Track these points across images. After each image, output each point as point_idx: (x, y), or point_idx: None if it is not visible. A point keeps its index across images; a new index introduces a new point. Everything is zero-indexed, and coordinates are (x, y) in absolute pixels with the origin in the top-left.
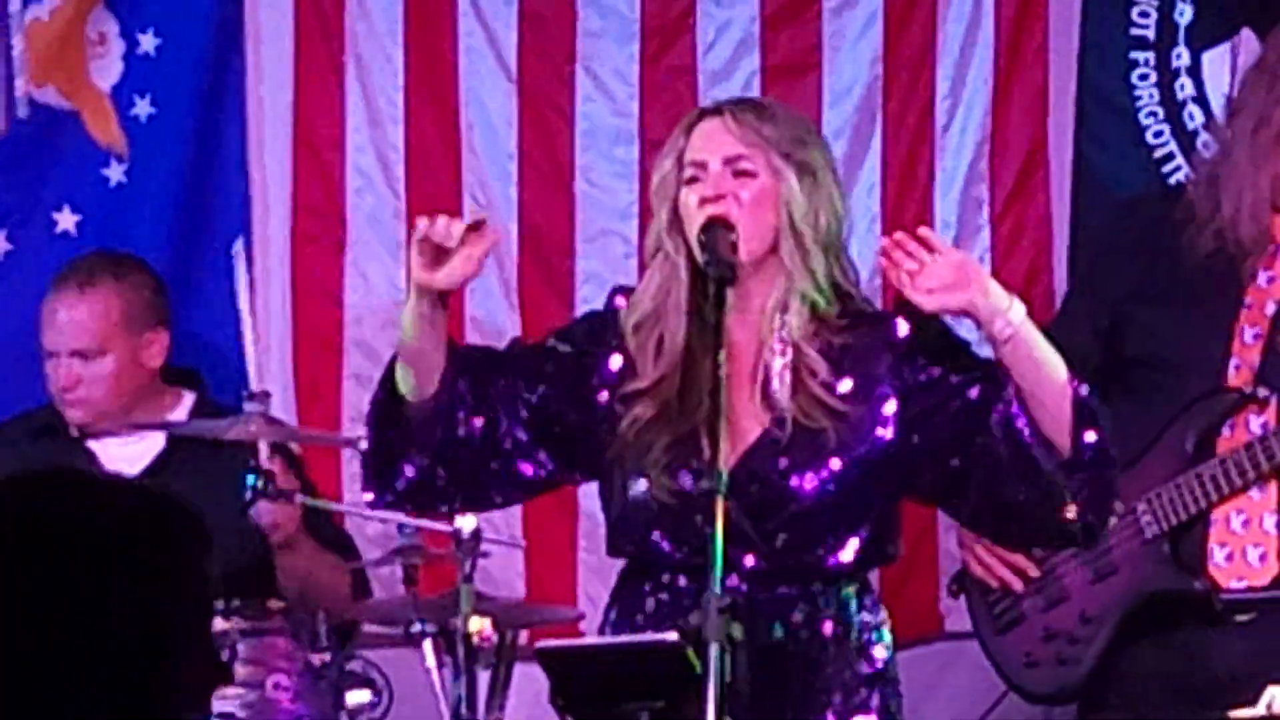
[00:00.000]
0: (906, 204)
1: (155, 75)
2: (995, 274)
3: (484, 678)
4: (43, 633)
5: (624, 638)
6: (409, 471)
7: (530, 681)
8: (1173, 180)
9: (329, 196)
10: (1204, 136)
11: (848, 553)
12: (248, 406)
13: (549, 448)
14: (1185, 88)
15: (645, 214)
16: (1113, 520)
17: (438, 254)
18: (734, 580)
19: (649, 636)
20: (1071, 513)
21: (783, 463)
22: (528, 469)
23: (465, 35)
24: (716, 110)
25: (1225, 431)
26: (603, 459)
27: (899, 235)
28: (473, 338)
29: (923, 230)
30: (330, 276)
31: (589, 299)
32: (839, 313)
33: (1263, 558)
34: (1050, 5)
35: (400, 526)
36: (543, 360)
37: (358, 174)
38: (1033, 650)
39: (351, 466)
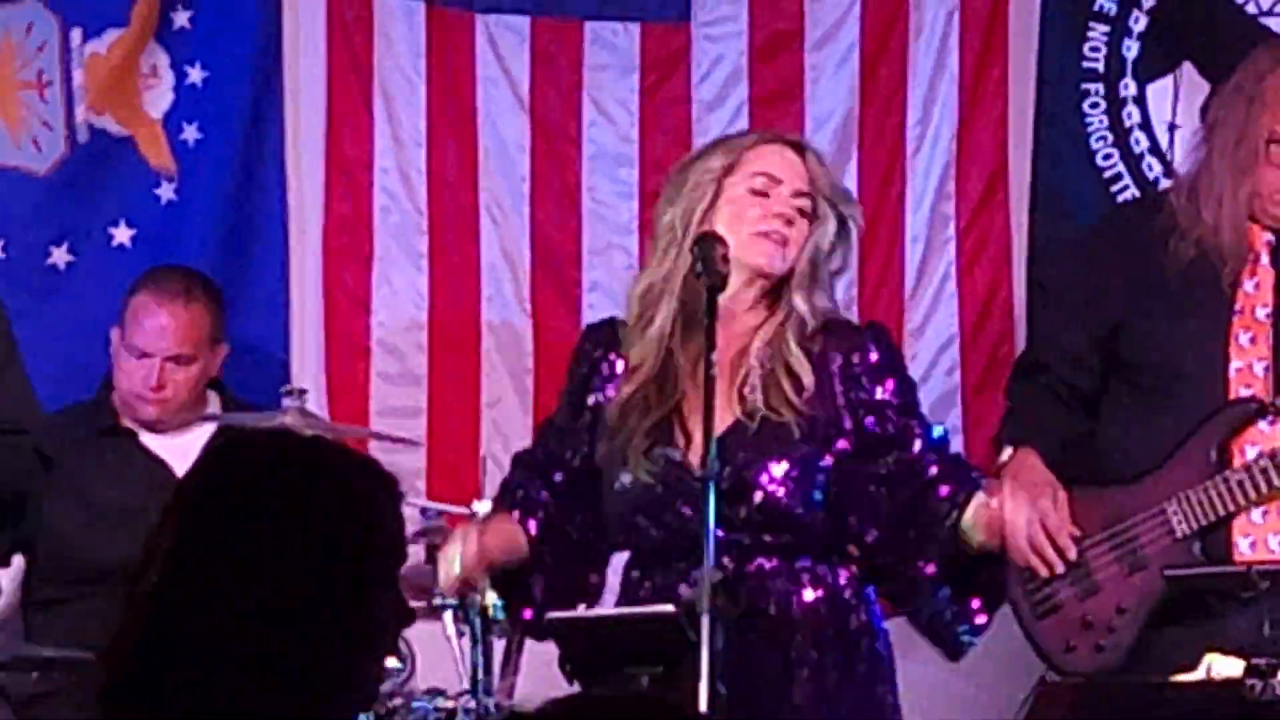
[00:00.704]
0: (881, 219)
1: (202, 104)
2: (960, 283)
3: (499, 646)
4: (285, 567)
5: (625, 609)
6: (536, 590)
7: (542, 650)
8: (1120, 198)
9: (358, 213)
10: (1177, 157)
11: (817, 528)
12: (286, 402)
13: None
14: (1132, 115)
15: (645, 229)
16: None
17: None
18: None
19: (648, 608)
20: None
21: (749, 450)
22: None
23: (482, 69)
24: (799, 146)
25: (1247, 437)
26: (595, 463)
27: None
28: (489, 341)
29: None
30: (359, 285)
31: (595, 305)
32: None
33: None
34: (1010, 41)
35: (423, 510)
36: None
37: (384, 193)
38: (1071, 637)
39: (377, 455)
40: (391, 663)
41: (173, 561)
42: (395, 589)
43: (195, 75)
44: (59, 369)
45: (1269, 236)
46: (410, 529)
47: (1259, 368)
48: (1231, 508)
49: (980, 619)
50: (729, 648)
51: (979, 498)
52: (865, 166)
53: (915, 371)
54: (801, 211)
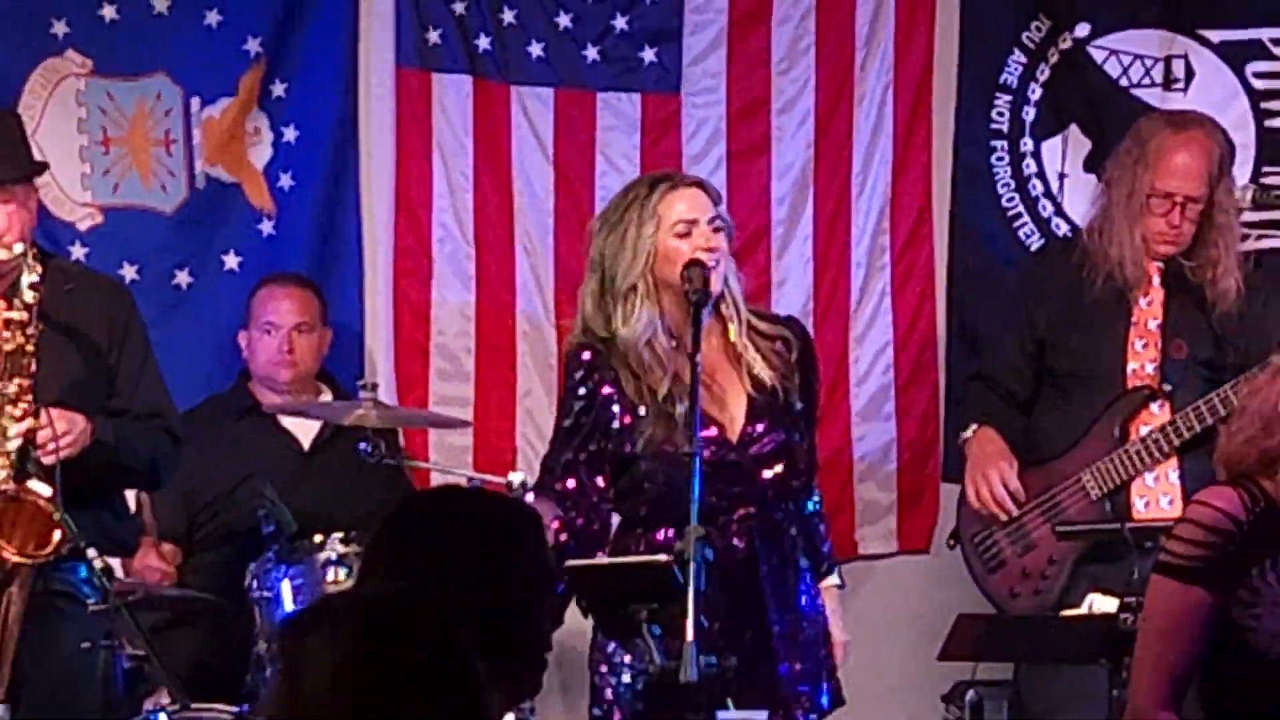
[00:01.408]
0: (831, 249)
1: (295, 158)
2: (894, 300)
3: None
4: (471, 586)
5: (628, 558)
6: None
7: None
8: (1020, 234)
9: (419, 243)
10: (1066, 200)
11: (771, 475)
12: (362, 394)
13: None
14: (1030, 166)
15: None
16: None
17: None
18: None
19: (645, 557)
20: None
21: (764, 421)
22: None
23: (516, 129)
24: (696, 181)
25: (1141, 418)
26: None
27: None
28: (522, 345)
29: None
30: (420, 300)
31: None
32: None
33: (1171, 502)
34: (933, 108)
35: (469, 479)
36: (588, 428)
37: (440, 227)
38: (1014, 585)
39: (434, 438)
40: None
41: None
42: (550, 604)
43: (290, 134)
44: (181, 370)
45: (1159, 264)
46: None
47: (1150, 366)
48: (1132, 473)
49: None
50: (709, 588)
51: None
52: (819, 207)
53: (858, 370)
54: (715, 230)
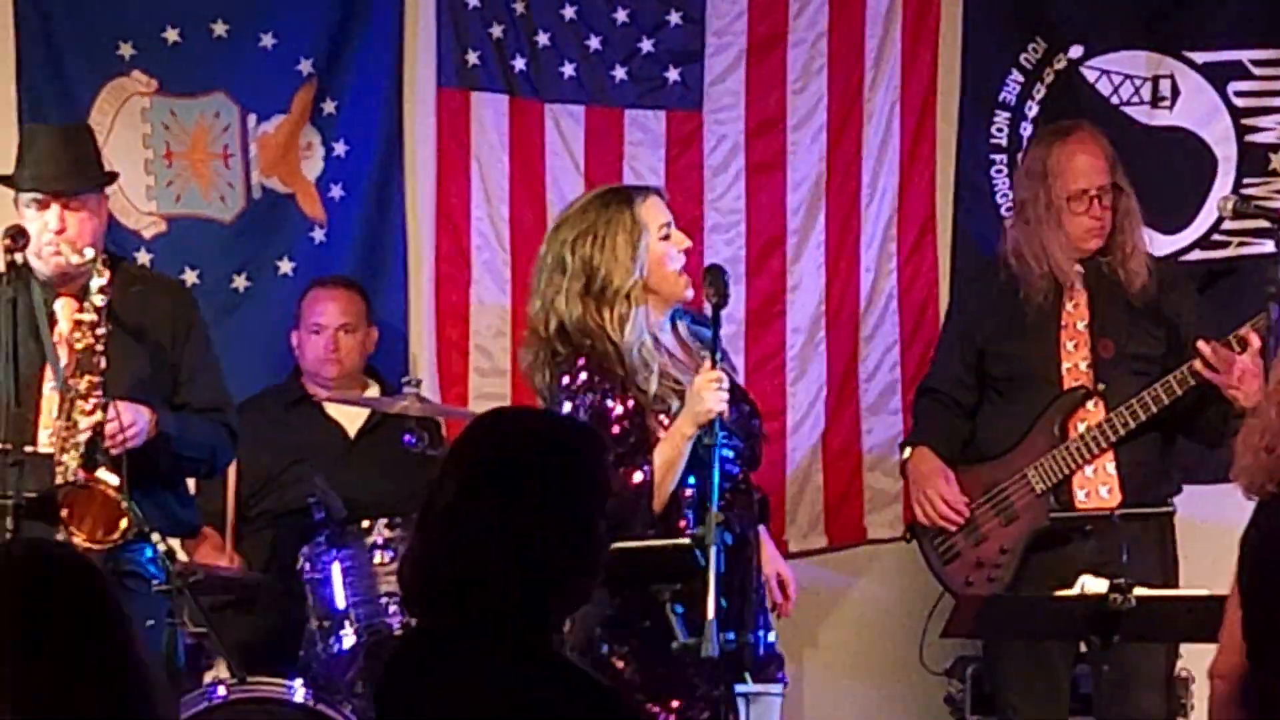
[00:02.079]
0: (842, 256)
1: (345, 170)
2: (900, 302)
3: None
4: (537, 504)
5: (652, 541)
6: None
7: None
8: None
9: (459, 250)
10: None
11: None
12: (406, 389)
13: None
14: None
15: None
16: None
17: None
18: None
19: (668, 540)
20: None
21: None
22: None
23: (550, 144)
24: (658, 190)
25: (1079, 415)
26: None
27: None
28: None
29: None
30: (460, 303)
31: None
32: None
33: (1110, 491)
34: (937, 124)
35: None
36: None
37: (478, 235)
38: (969, 574)
39: None
40: None
41: (456, 499)
42: (606, 518)
43: (340, 149)
44: (238, 366)
45: (1079, 267)
46: None
47: (1083, 365)
48: (1073, 467)
49: None
50: (728, 570)
51: None
52: (831, 216)
53: (866, 368)
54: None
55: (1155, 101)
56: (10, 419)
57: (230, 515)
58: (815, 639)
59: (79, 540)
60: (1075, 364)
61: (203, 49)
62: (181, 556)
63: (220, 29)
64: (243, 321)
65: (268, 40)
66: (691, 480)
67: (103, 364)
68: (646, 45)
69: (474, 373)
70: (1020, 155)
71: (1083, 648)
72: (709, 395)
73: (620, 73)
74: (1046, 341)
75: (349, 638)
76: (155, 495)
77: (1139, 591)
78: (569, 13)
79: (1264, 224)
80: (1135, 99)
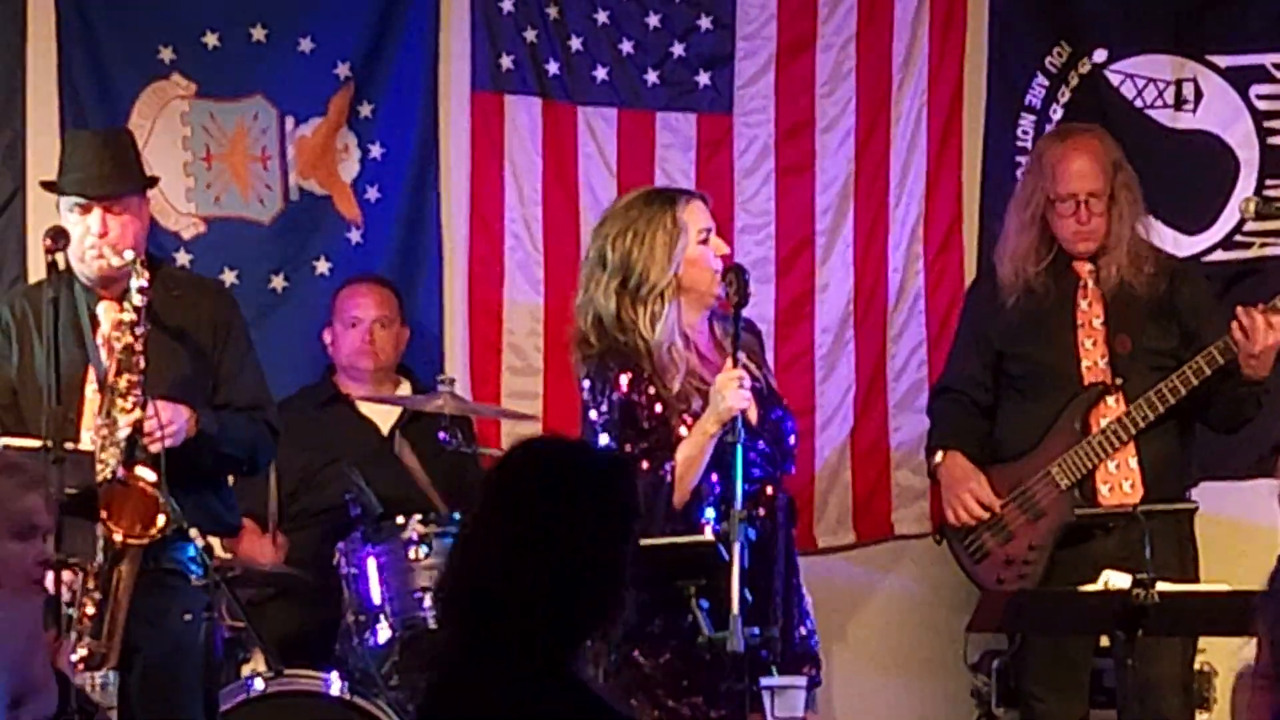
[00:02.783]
0: (870, 256)
1: (381, 172)
2: (927, 302)
3: None
4: (564, 528)
5: (676, 539)
6: None
7: None
8: None
9: (493, 250)
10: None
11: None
12: (440, 388)
13: None
14: None
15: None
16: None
17: None
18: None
19: (692, 538)
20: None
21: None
22: None
23: (582, 147)
24: (702, 195)
25: (1099, 411)
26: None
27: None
28: None
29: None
30: (493, 301)
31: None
32: None
33: (1132, 486)
34: (964, 126)
35: None
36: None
37: (512, 236)
38: (999, 573)
39: (506, 427)
40: None
41: (491, 526)
42: (635, 542)
43: (376, 151)
44: (276, 365)
45: (1088, 265)
46: None
47: (1101, 362)
48: (1096, 462)
49: None
50: (751, 565)
51: None
52: (859, 218)
53: (894, 366)
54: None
55: (1178, 104)
56: (52, 417)
57: (272, 512)
58: (844, 634)
59: (118, 535)
60: (1094, 361)
61: (242, 53)
62: (220, 553)
63: (259, 33)
64: (280, 321)
65: (306, 44)
66: (714, 477)
67: (141, 363)
68: (678, 49)
69: (506, 371)
70: None
71: (1103, 641)
72: (730, 393)
73: (652, 76)
74: (1064, 340)
75: (384, 631)
76: (196, 494)
77: (1162, 587)
78: (601, 17)
79: None
80: (1159, 102)
